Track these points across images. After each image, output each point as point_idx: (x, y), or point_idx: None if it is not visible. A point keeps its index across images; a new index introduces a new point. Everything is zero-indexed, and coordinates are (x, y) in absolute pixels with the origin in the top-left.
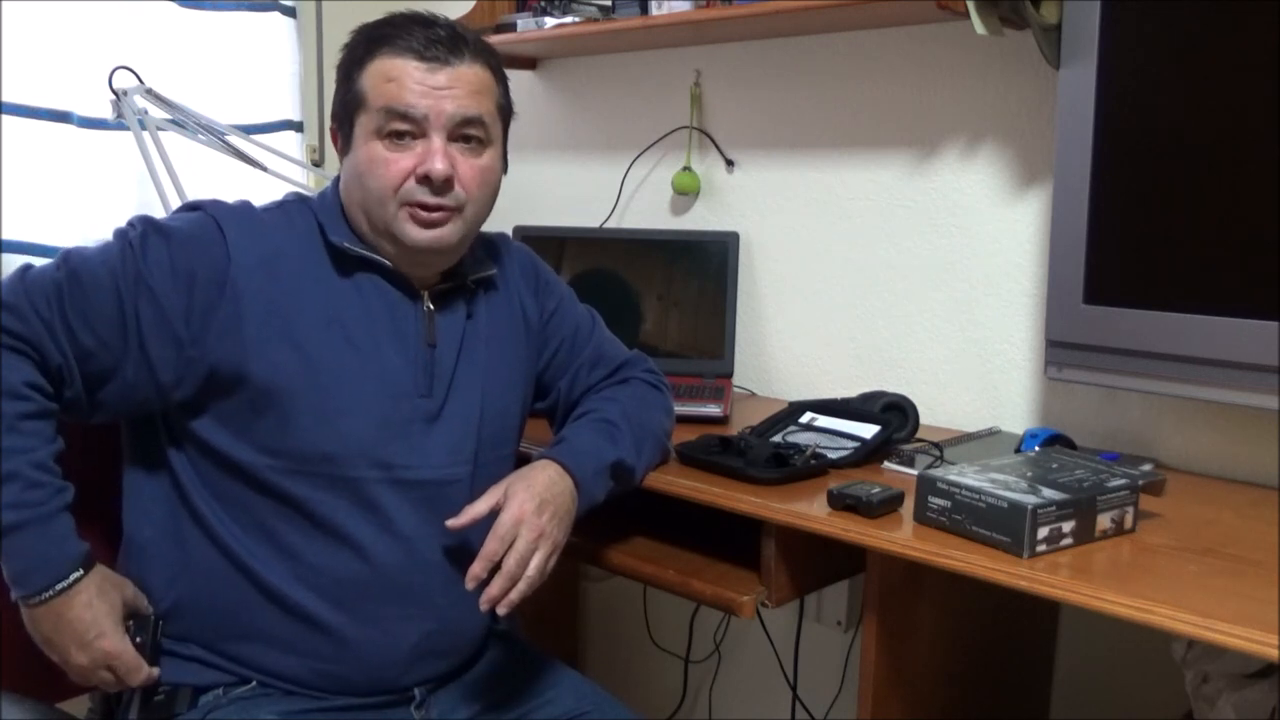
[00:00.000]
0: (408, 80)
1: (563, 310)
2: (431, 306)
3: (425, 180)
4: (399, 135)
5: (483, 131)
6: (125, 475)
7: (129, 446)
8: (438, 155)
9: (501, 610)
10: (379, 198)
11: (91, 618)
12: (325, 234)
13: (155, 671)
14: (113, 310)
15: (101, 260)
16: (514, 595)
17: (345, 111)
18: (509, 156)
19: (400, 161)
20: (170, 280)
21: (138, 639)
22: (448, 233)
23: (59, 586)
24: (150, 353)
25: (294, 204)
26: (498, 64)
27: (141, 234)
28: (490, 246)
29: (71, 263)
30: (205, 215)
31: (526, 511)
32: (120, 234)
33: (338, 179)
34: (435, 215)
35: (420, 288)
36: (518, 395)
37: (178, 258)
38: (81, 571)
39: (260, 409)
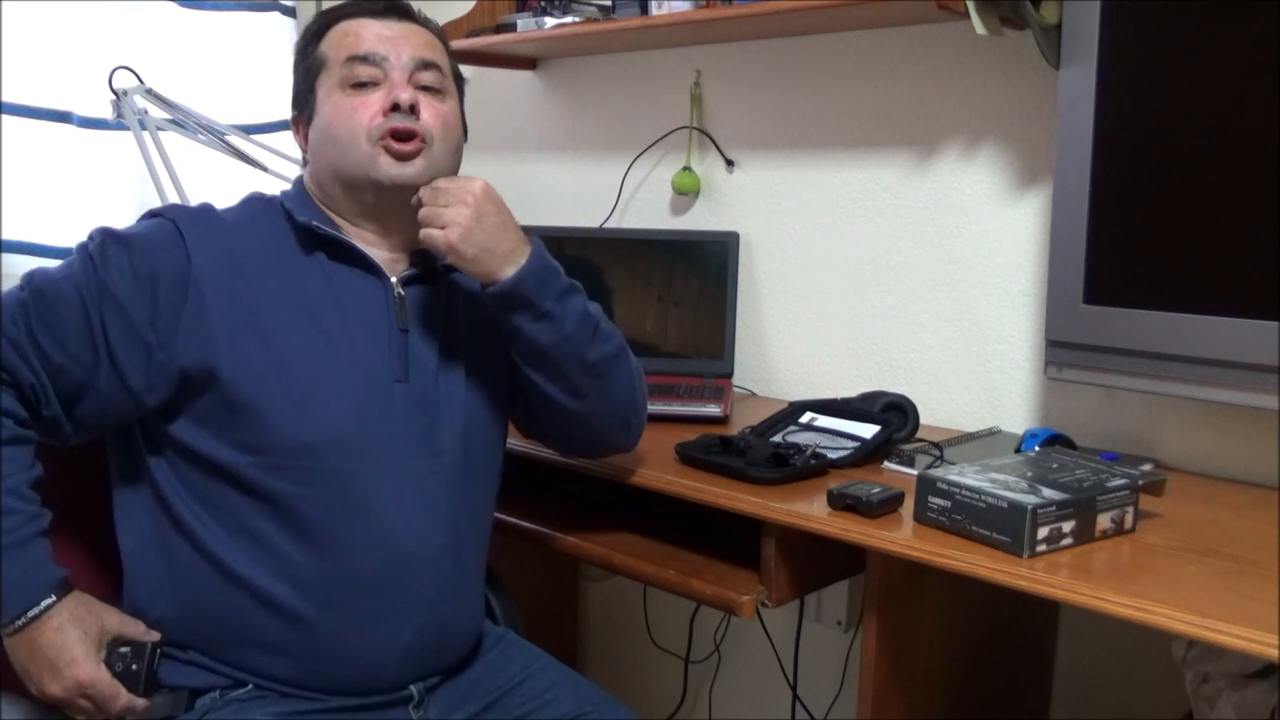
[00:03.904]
0: (365, 31)
1: None
2: (401, 292)
3: (394, 109)
4: (362, 85)
5: (441, 80)
6: (113, 490)
7: (113, 460)
8: (402, 86)
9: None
10: (351, 140)
11: (62, 643)
12: (293, 217)
13: (140, 702)
14: (79, 323)
15: (64, 275)
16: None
17: (307, 82)
18: (508, 162)
19: (369, 102)
20: (133, 286)
21: (134, 665)
22: (417, 167)
23: (31, 614)
24: (120, 361)
25: (255, 200)
26: (445, 40)
27: (100, 244)
28: None
29: (35, 282)
30: (163, 220)
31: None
32: (81, 247)
33: (299, 178)
34: (407, 146)
35: (389, 272)
36: (502, 383)
37: (138, 263)
38: (54, 597)
39: (235, 406)
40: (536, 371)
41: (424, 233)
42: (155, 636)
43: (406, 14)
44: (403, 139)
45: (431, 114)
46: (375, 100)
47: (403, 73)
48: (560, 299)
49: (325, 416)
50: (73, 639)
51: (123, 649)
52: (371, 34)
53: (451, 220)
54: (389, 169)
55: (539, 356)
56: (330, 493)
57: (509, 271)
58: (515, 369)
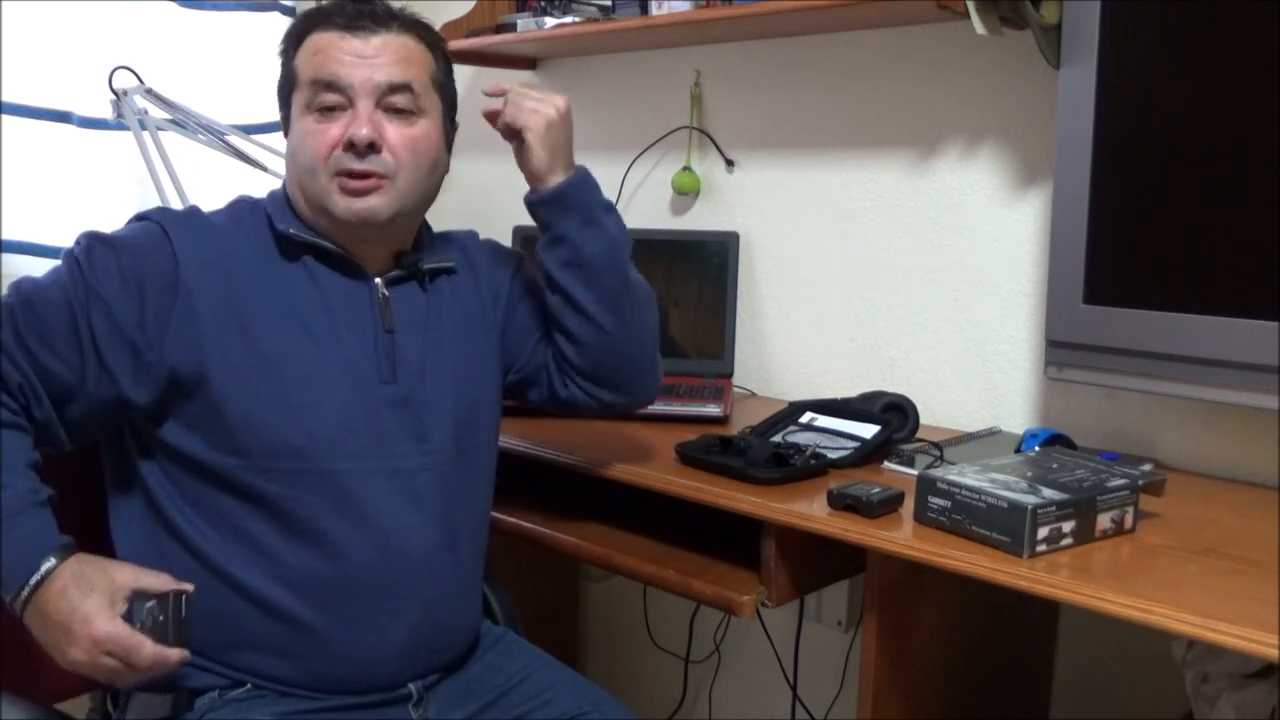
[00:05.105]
0: (334, 50)
1: (529, 266)
2: (386, 294)
3: (350, 146)
4: (328, 108)
5: (412, 101)
6: (108, 497)
7: (107, 467)
8: (361, 120)
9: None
10: (310, 169)
11: (69, 605)
12: (273, 223)
13: (174, 653)
14: (67, 326)
15: (51, 280)
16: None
17: (283, 94)
18: (508, 162)
19: (329, 131)
20: (120, 288)
21: (160, 616)
22: (376, 202)
23: (33, 580)
24: (108, 363)
25: (242, 203)
26: (435, 41)
27: (86, 248)
28: (455, 242)
29: (23, 288)
30: (150, 223)
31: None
32: (67, 253)
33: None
34: (363, 184)
35: (373, 274)
36: (493, 382)
37: (125, 266)
38: (53, 560)
39: (223, 410)
40: (578, 281)
41: (512, 109)
42: (188, 587)
43: (385, 21)
44: (358, 176)
45: (398, 140)
46: (338, 129)
47: (368, 100)
48: (607, 211)
49: (314, 419)
50: (77, 597)
51: (148, 603)
52: (341, 54)
53: (543, 109)
54: (342, 204)
55: (583, 267)
56: (321, 494)
57: (560, 179)
58: (543, 310)
